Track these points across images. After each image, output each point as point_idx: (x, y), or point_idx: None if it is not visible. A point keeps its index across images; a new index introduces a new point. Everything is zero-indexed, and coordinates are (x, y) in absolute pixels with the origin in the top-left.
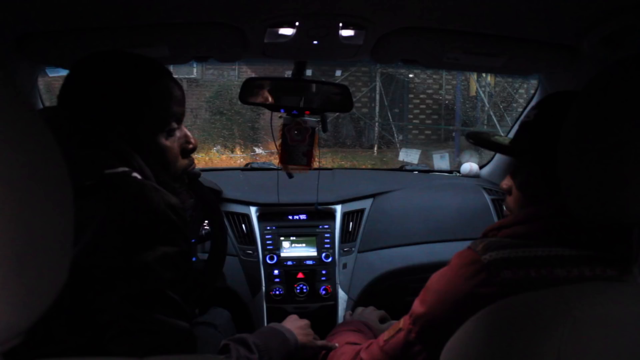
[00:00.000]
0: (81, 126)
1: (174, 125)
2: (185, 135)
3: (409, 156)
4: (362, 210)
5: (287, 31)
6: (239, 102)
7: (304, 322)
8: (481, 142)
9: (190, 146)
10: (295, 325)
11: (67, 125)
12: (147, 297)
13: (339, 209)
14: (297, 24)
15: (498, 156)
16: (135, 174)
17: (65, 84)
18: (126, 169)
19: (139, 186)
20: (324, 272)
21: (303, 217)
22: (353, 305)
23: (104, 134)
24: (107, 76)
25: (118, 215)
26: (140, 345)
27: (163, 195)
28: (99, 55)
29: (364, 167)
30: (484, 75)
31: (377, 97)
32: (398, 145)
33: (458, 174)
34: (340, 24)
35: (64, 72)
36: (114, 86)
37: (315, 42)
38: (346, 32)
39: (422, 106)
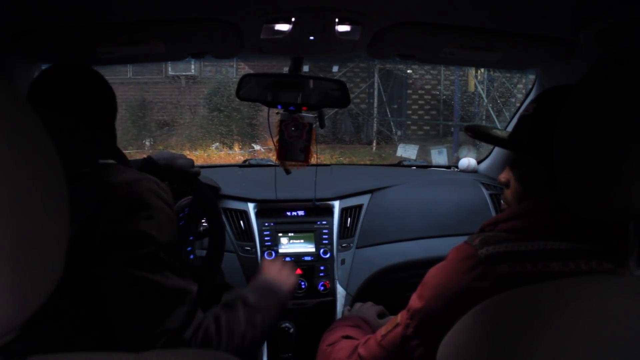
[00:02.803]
0: (70, 123)
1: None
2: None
3: (407, 152)
4: (360, 206)
5: (283, 27)
6: (237, 99)
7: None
8: (480, 135)
9: None
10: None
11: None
12: (145, 260)
13: (337, 204)
14: (293, 19)
15: (496, 151)
16: (121, 166)
17: (43, 87)
18: (114, 161)
19: (126, 172)
20: (322, 268)
21: (301, 213)
22: (351, 300)
23: (92, 131)
24: (87, 82)
25: (111, 194)
26: (142, 308)
27: (150, 177)
28: (73, 66)
29: (362, 163)
30: (481, 70)
31: (375, 93)
32: (396, 141)
33: (456, 169)
34: (337, 20)
35: None
36: (96, 91)
37: (311, 37)
38: (342, 28)
39: (420, 102)
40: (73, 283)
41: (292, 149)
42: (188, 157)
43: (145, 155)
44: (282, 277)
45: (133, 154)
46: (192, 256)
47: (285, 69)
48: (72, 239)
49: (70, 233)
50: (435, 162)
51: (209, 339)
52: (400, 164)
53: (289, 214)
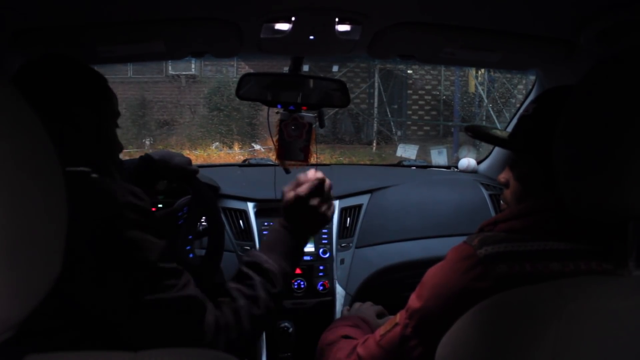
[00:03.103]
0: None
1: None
2: None
3: (407, 152)
4: (359, 206)
5: (283, 26)
6: (237, 99)
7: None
8: (480, 135)
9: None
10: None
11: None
12: (144, 283)
13: (336, 204)
14: (293, 19)
15: (496, 151)
16: (94, 175)
17: (21, 81)
18: (86, 169)
19: (98, 184)
20: (321, 267)
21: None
22: (350, 300)
23: (68, 129)
24: (66, 76)
25: (83, 211)
26: (158, 328)
27: (122, 189)
28: (56, 57)
29: (361, 163)
30: (481, 71)
31: (376, 93)
32: (396, 141)
33: (456, 170)
34: (337, 19)
35: None
36: (75, 85)
37: (311, 37)
38: (342, 27)
39: (420, 102)
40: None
41: (292, 148)
42: (186, 156)
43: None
44: (311, 225)
45: (133, 152)
46: (191, 255)
47: (285, 69)
48: None
49: None
50: (435, 162)
51: (229, 333)
52: (400, 164)
53: None
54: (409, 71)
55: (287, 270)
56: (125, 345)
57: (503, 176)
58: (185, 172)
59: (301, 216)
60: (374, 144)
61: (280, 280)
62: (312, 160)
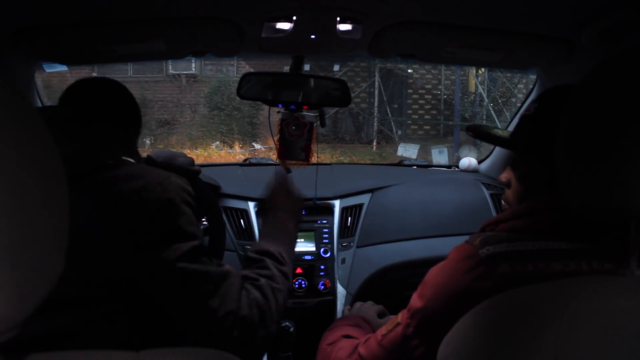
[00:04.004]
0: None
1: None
2: None
3: (408, 151)
4: (360, 205)
5: (284, 26)
6: (238, 98)
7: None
8: (481, 135)
9: None
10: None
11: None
12: (192, 253)
13: (337, 204)
14: (294, 18)
15: (497, 151)
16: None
17: (71, 96)
18: (133, 160)
19: (155, 169)
20: (322, 267)
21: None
22: (352, 300)
23: (112, 133)
24: (113, 92)
25: (133, 187)
26: (201, 299)
27: (174, 176)
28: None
29: (362, 162)
30: (482, 70)
31: (376, 92)
32: (397, 140)
33: (457, 169)
34: (338, 18)
35: (60, 68)
36: (121, 101)
37: (312, 36)
38: (343, 27)
39: (421, 101)
40: (109, 278)
41: (293, 147)
42: (188, 155)
43: (145, 154)
44: (290, 206)
45: None
46: None
47: (286, 68)
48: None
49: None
50: (436, 161)
51: (260, 307)
52: (401, 163)
53: None
54: (410, 70)
55: (289, 252)
56: (159, 319)
57: (504, 176)
58: (187, 173)
59: (281, 200)
60: (375, 143)
61: (286, 259)
62: (313, 159)
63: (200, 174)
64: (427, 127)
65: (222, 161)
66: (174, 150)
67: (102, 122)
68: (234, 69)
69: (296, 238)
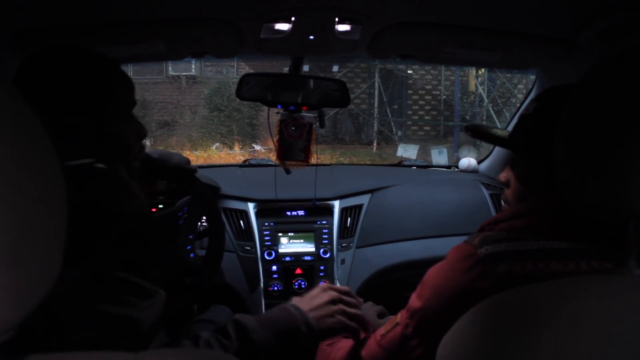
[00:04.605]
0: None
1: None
2: (138, 123)
3: (408, 152)
4: (360, 206)
5: (283, 26)
6: (238, 99)
7: (326, 297)
8: (480, 134)
9: (143, 133)
10: (312, 305)
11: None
12: (96, 280)
13: (337, 204)
14: (293, 19)
15: (496, 151)
16: (99, 165)
17: (24, 76)
18: (91, 160)
19: (102, 176)
20: (322, 267)
21: (301, 213)
22: None
23: (72, 124)
24: (72, 67)
25: (81, 201)
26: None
27: (117, 182)
28: (58, 49)
29: (362, 163)
30: (481, 70)
31: (376, 93)
32: (397, 141)
33: (456, 169)
34: (337, 19)
35: None
36: (80, 76)
37: (311, 37)
38: (342, 27)
39: (420, 102)
40: None
41: (292, 148)
42: (187, 156)
43: None
44: (310, 304)
45: None
46: (192, 255)
47: (286, 69)
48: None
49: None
50: (436, 162)
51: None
52: (401, 164)
53: (289, 213)
54: (409, 71)
55: (273, 346)
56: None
57: (503, 175)
58: (183, 172)
59: (317, 307)
60: (375, 144)
61: (262, 354)
62: (312, 160)
63: (200, 175)
64: (427, 128)
65: (222, 162)
66: (172, 150)
67: (66, 115)
68: (234, 70)
69: (299, 347)
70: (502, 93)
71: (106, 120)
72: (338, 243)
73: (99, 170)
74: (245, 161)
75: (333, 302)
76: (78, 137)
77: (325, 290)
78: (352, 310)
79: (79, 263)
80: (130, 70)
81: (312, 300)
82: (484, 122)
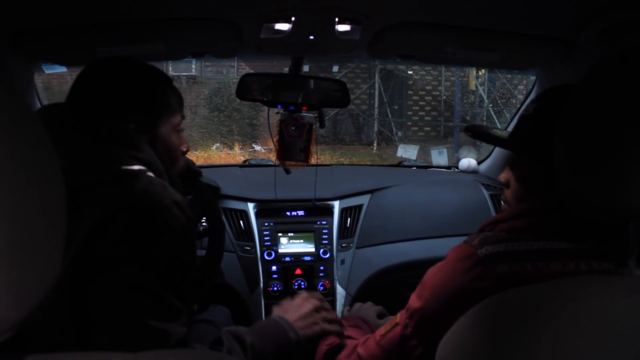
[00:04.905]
0: (95, 121)
1: (182, 125)
2: (184, 137)
3: (408, 152)
4: (360, 206)
5: (283, 26)
6: (238, 99)
7: (310, 306)
8: (480, 135)
9: (186, 147)
10: (298, 315)
11: (79, 120)
12: (144, 298)
13: (336, 204)
14: (293, 19)
15: (496, 151)
16: (149, 173)
17: (82, 83)
18: (142, 167)
19: (151, 183)
20: (322, 268)
21: (301, 213)
22: (351, 301)
23: (120, 129)
24: (128, 77)
25: (129, 208)
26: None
27: (171, 193)
28: (119, 59)
29: (362, 163)
30: (482, 71)
31: (376, 93)
32: (397, 141)
33: (456, 170)
34: (337, 19)
35: (60, 69)
36: (137, 86)
37: (311, 37)
38: (342, 27)
39: (421, 102)
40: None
41: (292, 148)
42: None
43: None
44: (297, 313)
45: None
46: None
47: (286, 69)
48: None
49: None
50: (436, 162)
51: None
52: (401, 164)
53: (288, 214)
54: (410, 72)
55: (265, 353)
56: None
57: (503, 176)
58: (188, 173)
59: (303, 316)
60: (375, 145)
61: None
62: (313, 160)
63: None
64: (427, 128)
65: (222, 162)
66: None
67: (109, 119)
68: (234, 70)
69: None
70: (503, 94)
71: (159, 132)
72: (338, 243)
73: (153, 179)
74: (245, 161)
75: (317, 310)
76: (132, 144)
77: (307, 300)
78: (331, 316)
79: (120, 269)
80: None
81: (298, 310)
82: (484, 123)
